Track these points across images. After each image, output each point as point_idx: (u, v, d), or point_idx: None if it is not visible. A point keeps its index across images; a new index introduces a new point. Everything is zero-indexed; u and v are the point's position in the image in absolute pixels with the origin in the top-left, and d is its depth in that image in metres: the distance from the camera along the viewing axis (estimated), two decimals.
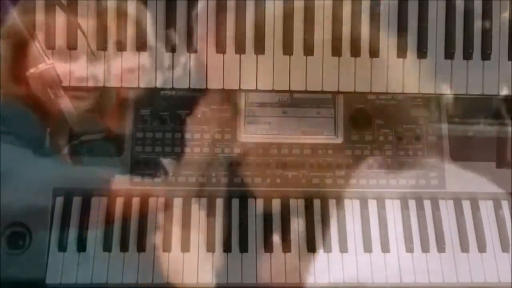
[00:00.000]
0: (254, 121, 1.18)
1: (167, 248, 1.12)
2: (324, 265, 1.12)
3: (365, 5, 1.07)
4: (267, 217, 1.15)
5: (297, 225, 1.15)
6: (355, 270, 1.12)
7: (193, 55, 1.05)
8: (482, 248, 1.16)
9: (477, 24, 1.08)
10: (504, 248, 1.16)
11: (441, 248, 1.15)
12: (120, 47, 1.04)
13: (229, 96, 1.17)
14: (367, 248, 1.14)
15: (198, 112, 1.17)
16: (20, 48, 1.01)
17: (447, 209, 1.18)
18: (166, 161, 1.16)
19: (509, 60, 1.08)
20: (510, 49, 1.08)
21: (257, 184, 1.16)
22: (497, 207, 1.19)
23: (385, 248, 1.14)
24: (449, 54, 1.07)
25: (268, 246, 1.13)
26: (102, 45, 1.04)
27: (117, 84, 1.04)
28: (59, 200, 1.14)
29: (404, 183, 1.18)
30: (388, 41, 1.07)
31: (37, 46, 1.00)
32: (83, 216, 1.13)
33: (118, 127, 1.15)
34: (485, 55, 1.08)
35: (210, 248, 1.12)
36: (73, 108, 1.05)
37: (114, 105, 1.13)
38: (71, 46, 1.03)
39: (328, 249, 1.13)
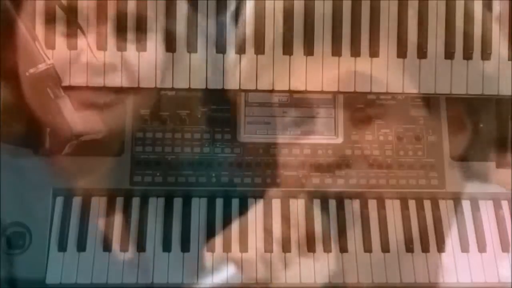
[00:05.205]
0: (254, 121, 1.18)
1: (167, 248, 1.12)
2: (324, 265, 1.12)
3: (365, 5, 1.07)
4: (267, 217, 1.15)
5: (297, 225, 1.15)
6: (355, 270, 1.13)
7: (193, 55, 1.05)
8: (482, 248, 1.16)
9: (477, 24, 1.08)
10: (504, 248, 1.16)
11: (441, 248, 1.15)
12: (120, 46, 1.04)
13: (229, 96, 1.17)
14: (367, 248, 1.14)
15: (198, 112, 1.17)
16: (20, 48, 1.01)
17: (447, 209, 1.18)
18: (166, 161, 1.16)
19: (509, 60, 1.08)
20: (510, 49, 1.08)
21: (257, 184, 1.16)
22: (497, 207, 1.19)
23: (385, 248, 1.14)
24: (449, 54, 1.07)
25: (268, 246, 1.13)
26: (102, 45, 1.04)
27: (117, 84, 1.04)
28: (59, 200, 1.14)
29: (404, 183, 1.18)
30: (388, 41, 1.07)
31: (37, 46, 1.00)
32: (83, 216, 1.13)
33: (118, 127, 1.15)
34: (485, 55, 1.08)
35: (210, 248, 1.13)
36: (73, 108, 1.05)
37: (114, 105, 1.13)
38: (71, 46, 1.03)
39: (328, 249, 1.13)
